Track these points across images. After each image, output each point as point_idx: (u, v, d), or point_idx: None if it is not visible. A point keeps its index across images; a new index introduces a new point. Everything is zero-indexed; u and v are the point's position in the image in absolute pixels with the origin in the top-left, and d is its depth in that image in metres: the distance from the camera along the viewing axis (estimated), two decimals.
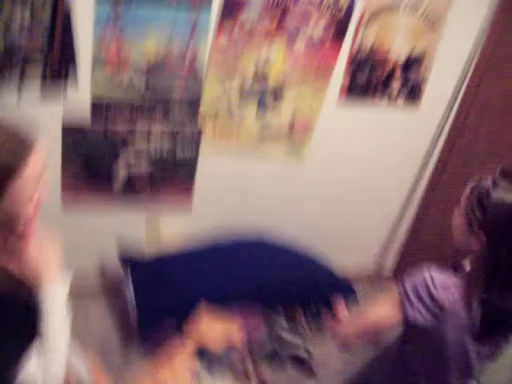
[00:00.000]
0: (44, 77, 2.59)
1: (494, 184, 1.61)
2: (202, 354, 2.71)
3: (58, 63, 2.57)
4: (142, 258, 3.05)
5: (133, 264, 3.03)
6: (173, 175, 3.07)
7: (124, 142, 2.88)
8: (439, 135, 3.40)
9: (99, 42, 2.56)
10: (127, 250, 3.08)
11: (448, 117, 3.34)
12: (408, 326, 1.76)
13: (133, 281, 2.97)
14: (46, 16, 2.43)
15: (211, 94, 2.84)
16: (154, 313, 2.86)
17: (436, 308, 1.67)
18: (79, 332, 3.06)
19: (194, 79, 2.77)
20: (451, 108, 3.31)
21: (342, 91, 3.03)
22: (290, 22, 2.72)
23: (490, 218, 1.60)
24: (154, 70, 2.68)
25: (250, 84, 2.85)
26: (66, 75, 2.61)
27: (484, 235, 1.62)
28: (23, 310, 1.39)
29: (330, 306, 2.96)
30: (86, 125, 2.76)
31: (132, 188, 3.05)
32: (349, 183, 3.46)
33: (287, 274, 3.09)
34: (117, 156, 2.91)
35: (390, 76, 3.06)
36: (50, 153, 2.74)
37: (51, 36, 2.49)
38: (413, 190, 3.63)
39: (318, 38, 2.80)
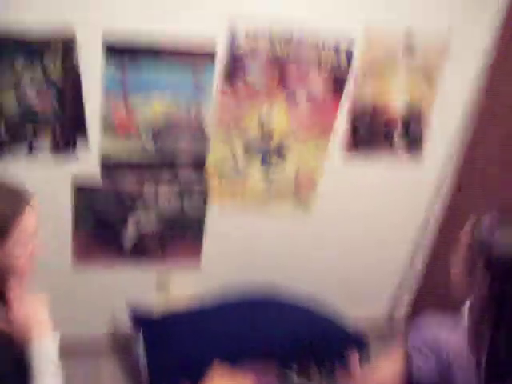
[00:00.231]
0: (55, 138, 2.68)
1: (497, 222, 1.59)
2: None
3: (69, 125, 2.66)
4: (153, 316, 3.03)
5: (143, 322, 3.01)
6: (181, 234, 3.11)
7: (133, 202, 2.94)
8: (443, 183, 3.46)
9: (107, 105, 2.65)
10: (137, 308, 3.06)
11: (451, 165, 3.40)
12: (414, 381, 1.71)
13: (143, 339, 2.94)
14: (57, 79, 2.54)
15: (217, 152, 2.91)
16: (166, 371, 2.81)
17: (442, 360, 1.63)
18: None
19: (200, 139, 2.85)
20: (454, 157, 3.37)
21: (344, 146, 3.10)
22: (291, 80, 2.81)
23: (496, 258, 1.57)
24: (161, 131, 2.77)
25: (255, 142, 2.92)
26: (76, 137, 2.70)
27: (489, 277, 1.58)
28: (13, 366, 1.39)
29: (343, 362, 2.92)
30: (96, 185, 2.83)
31: (142, 247, 3.08)
32: (356, 236, 3.48)
33: (299, 330, 3.06)
34: (126, 215, 2.97)
35: (391, 128, 3.13)
36: (61, 212, 2.81)
37: (62, 98, 2.58)
38: (420, 238, 3.64)
39: (318, 95, 2.88)
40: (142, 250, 3.10)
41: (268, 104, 2.85)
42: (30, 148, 2.66)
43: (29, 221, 1.38)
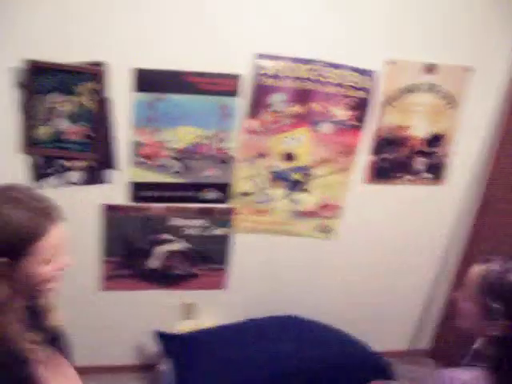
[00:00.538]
0: (86, 168, 2.80)
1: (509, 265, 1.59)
2: None
3: (100, 155, 2.77)
4: (180, 339, 3.05)
5: (169, 340, 3.04)
6: (207, 260, 3.18)
7: (160, 229, 3.02)
8: (467, 208, 3.44)
9: (137, 135, 2.75)
10: (164, 332, 3.09)
11: (475, 190, 3.39)
12: None
13: (169, 357, 2.97)
14: (88, 110, 2.66)
15: (242, 174, 2.97)
16: None
17: None
18: None
19: (226, 161, 2.92)
20: (477, 181, 3.37)
21: (367, 170, 3.13)
22: (315, 105, 2.87)
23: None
24: (188, 153, 2.85)
25: (279, 165, 2.98)
26: (107, 166, 2.81)
27: (508, 322, 1.58)
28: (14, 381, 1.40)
29: None
30: (125, 213, 2.93)
31: (168, 273, 3.15)
32: (380, 261, 3.47)
33: (326, 353, 3.02)
34: (154, 242, 3.05)
35: (414, 153, 3.16)
36: (90, 239, 2.89)
37: (93, 129, 2.70)
38: (444, 266, 3.62)
39: (342, 119, 2.94)
40: (168, 277, 3.17)
41: (293, 128, 2.92)
42: (64, 179, 2.78)
43: (55, 236, 1.42)
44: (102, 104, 2.65)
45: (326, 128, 2.94)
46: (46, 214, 1.40)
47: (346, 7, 2.74)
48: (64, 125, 2.65)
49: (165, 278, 3.16)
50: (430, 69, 2.95)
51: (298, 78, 2.78)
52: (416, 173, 3.22)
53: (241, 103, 2.81)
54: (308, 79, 2.80)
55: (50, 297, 1.64)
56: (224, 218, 3.07)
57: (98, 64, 2.57)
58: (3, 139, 2.61)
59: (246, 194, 3.02)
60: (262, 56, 2.71)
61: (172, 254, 3.10)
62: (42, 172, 2.73)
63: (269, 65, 2.73)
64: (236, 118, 2.83)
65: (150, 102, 2.69)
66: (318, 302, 3.42)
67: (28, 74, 2.52)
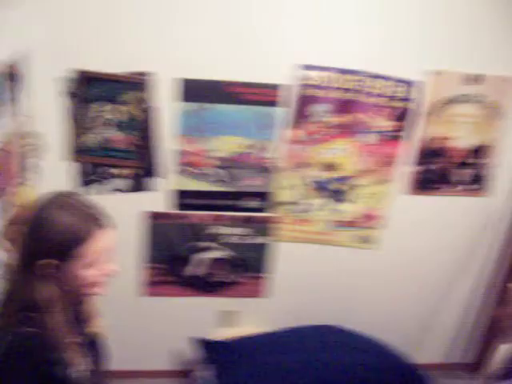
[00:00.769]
0: (133, 176, 2.86)
1: None
2: None
3: (146, 163, 2.83)
4: (221, 345, 3.08)
5: (210, 347, 3.07)
6: (248, 268, 3.20)
7: (201, 229, 3.06)
8: None
9: (182, 137, 2.80)
10: (205, 338, 3.12)
11: None
12: None
13: (210, 363, 2.99)
14: (135, 120, 2.72)
15: (284, 183, 2.99)
16: None
17: None
18: None
19: (267, 170, 2.95)
20: None
21: (410, 180, 3.12)
22: (359, 115, 2.87)
23: None
24: (231, 161, 2.89)
25: (321, 175, 2.99)
26: (152, 166, 2.86)
27: None
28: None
29: None
30: (168, 220, 2.99)
31: (209, 280, 3.19)
32: (421, 273, 3.44)
33: (363, 364, 3.00)
34: (195, 243, 3.08)
35: (459, 164, 3.13)
36: (132, 245, 2.94)
37: (140, 138, 2.76)
38: (487, 279, 3.57)
39: (386, 130, 2.93)
40: (209, 284, 3.21)
41: (334, 144, 2.93)
42: (110, 186, 2.85)
43: (101, 242, 1.45)
44: (147, 113, 2.71)
45: (368, 138, 2.94)
46: (93, 219, 1.44)
47: (390, 18, 2.74)
48: (111, 133, 2.72)
49: (206, 285, 3.19)
50: (475, 79, 2.92)
51: (341, 89, 2.79)
52: (459, 184, 3.19)
53: (282, 113, 2.83)
54: (352, 90, 2.80)
55: (93, 302, 1.69)
56: (265, 227, 3.09)
57: (144, 74, 2.63)
58: (52, 147, 2.67)
59: (287, 204, 3.04)
60: (305, 66, 2.73)
61: (213, 261, 3.13)
62: (88, 179, 2.80)
63: (312, 75, 2.75)
64: (277, 128, 2.85)
65: (195, 111, 2.73)
66: (359, 312, 3.40)
67: (77, 84, 2.59)
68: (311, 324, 3.26)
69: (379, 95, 2.85)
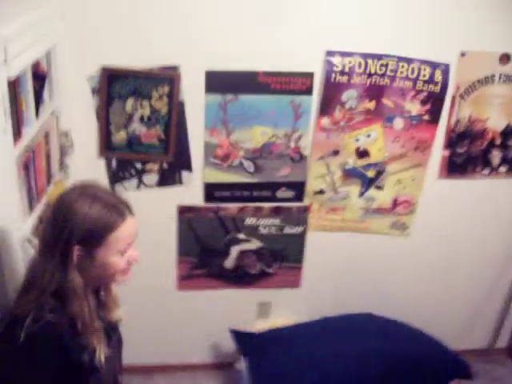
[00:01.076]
0: (161, 171, 2.86)
1: None
2: None
3: (174, 158, 2.82)
4: (256, 337, 3.07)
5: (245, 339, 3.07)
6: (282, 259, 3.19)
7: (235, 229, 3.06)
8: None
9: (210, 129, 2.78)
10: (240, 330, 3.12)
11: None
12: None
13: (245, 355, 3.00)
14: (163, 115, 2.70)
15: (316, 172, 2.97)
16: None
17: None
18: None
19: (299, 159, 2.92)
20: None
21: (442, 164, 3.08)
22: (388, 100, 2.84)
23: None
24: (262, 152, 2.86)
25: (352, 161, 2.96)
26: (181, 169, 2.86)
27: None
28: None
29: None
30: (200, 214, 2.98)
31: (243, 273, 3.18)
32: (456, 258, 3.40)
33: (402, 352, 2.98)
34: (229, 242, 3.09)
35: (490, 146, 3.08)
36: (166, 239, 2.94)
37: (168, 133, 2.74)
38: None
39: (416, 114, 2.89)
40: (243, 276, 3.20)
41: (365, 130, 2.90)
42: (139, 181, 2.85)
43: (126, 231, 1.48)
44: (176, 107, 2.70)
45: (399, 123, 2.91)
46: (117, 209, 1.48)
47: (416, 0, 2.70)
48: (139, 129, 2.71)
49: (240, 278, 3.19)
50: (506, 59, 2.87)
51: (370, 74, 2.76)
52: (492, 167, 3.14)
53: (311, 101, 2.80)
54: (381, 74, 2.77)
55: (115, 290, 1.71)
56: (298, 217, 3.08)
57: (171, 68, 2.61)
58: (83, 144, 2.68)
59: (319, 193, 3.02)
60: (333, 53, 2.70)
61: (246, 253, 3.13)
62: (119, 175, 2.81)
63: (341, 62, 2.71)
64: (309, 117, 2.83)
65: (223, 103, 2.72)
66: (394, 300, 3.37)
67: (105, 81, 2.58)
68: (346, 313, 3.24)
69: (409, 79, 2.80)
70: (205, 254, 3.10)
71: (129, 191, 2.83)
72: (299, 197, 3.03)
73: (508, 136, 3.07)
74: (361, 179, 3.02)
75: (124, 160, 2.79)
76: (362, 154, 2.95)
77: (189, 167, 2.85)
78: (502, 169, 3.16)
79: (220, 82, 2.69)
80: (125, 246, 1.49)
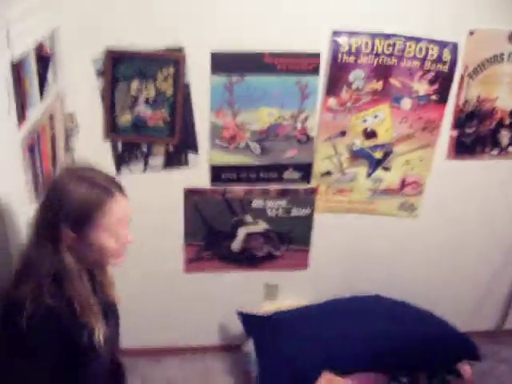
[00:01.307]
0: (167, 153, 2.84)
1: None
2: None
3: (180, 140, 2.80)
4: (263, 318, 3.07)
5: (252, 320, 3.08)
6: (289, 241, 3.18)
7: (241, 203, 3.04)
8: None
9: (216, 111, 2.76)
10: (247, 312, 3.12)
11: None
12: None
13: (252, 337, 3.01)
14: (169, 96, 2.68)
15: (323, 153, 2.95)
16: (275, 368, 2.85)
17: None
18: None
19: (306, 140, 2.90)
20: None
21: (451, 145, 3.05)
22: (395, 80, 2.81)
23: None
24: (268, 133, 2.84)
25: (360, 142, 2.94)
26: (187, 151, 2.84)
27: None
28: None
29: (455, 375, 2.87)
30: (206, 196, 2.97)
31: (250, 247, 3.17)
32: (464, 239, 3.38)
33: (409, 334, 2.97)
34: (235, 216, 3.07)
35: (499, 126, 3.05)
36: (173, 222, 2.94)
37: (173, 115, 2.72)
38: None
39: (424, 94, 2.86)
40: (250, 258, 3.20)
41: (372, 111, 2.87)
42: (145, 164, 2.83)
43: (115, 209, 1.46)
44: (181, 88, 2.67)
45: (406, 104, 2.88)
46: (105, 188, 1.45)
47: None
48: (145, 111, 2.69)
49: (247, 260, 3.18)
50: None
51: (377, 54, 2.72)
52: (501, 147, 3.11)
53: (318, 82, 2.77)
54: (388, 54, 2.73)
55: (110, 270, 1.70)
56: (305, 199, 3.06)
57: (176, 49, 2.59)
58: (88, 127, 2.67)
59: (326, 174, 3.00)
60: (340, 33, 2.67)
61: (253, 235, 3.12)
62: (125, 158, 2.79)
63: (347, 42, 2.68)
64: (315, 97, 2.80)
65: (229, 84, 2.69)
66: (402, 281, 3.36)
67: (109, 63, 2.56)
68: (354, 295, 3.25)
69: (416, 59, 2.77)
70: (212, 236, 3.09)
71: (135, 174, 2.82)
72: (306, 178, 3.01)
73: None
74: (368, 160, 2.99)
75: (129, 143, 2.78)
76: (370, 134, 2.93)
77: (195, 149, 2.83)
78: (511, 149, 3.13)
79: (226, 63, 2.66)
80: (115, 225, 1.47)
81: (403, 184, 3.10)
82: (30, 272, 1.42)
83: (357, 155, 2.97)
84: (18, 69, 1.74)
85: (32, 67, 1.92)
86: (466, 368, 2.86)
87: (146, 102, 2.68)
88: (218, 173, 2.91)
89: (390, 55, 2.74)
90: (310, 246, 3.21)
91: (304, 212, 3.09)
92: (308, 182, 3.03)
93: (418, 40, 2.74)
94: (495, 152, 3.12)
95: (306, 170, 2.99)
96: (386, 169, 3.04)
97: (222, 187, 2.96)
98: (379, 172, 3.04)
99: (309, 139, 2.89)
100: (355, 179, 3.04)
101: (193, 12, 2.54)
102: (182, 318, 3.29)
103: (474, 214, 3.31)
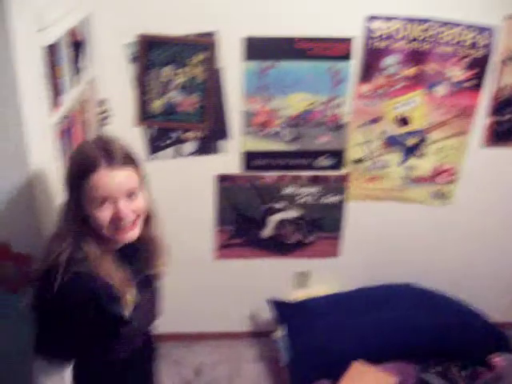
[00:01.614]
0: (199, 139, 2.84)
1: None
2: None
3: (212, 126, 2.80)
4: (294, 305, 3.08)
5: (283, 307, 3.09)
6: (320, 228, 3.16)
7: (273, 198, 3.03)
8: None
9: (248, 97, 2.75)
10: (278, 299, 3.14)
11: None
12: None
13: (283, 324, 3.01)
14: (200, 82, 2.67)
15: (355, 140, 2.92)
16: (305, 356, 2.84)
17: None
18: (231, 375, 3.13)
19: (338, 126, 2.88)
20: None
21: (485, 132, 2.99)
22: (430, 66, 2.76)
23: None
24: (300, 120, 2.82)
25: (393, 129, 2.90)
26: (219, 137, 2.84)
27: None
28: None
29: (486, 366, 2.83)
30: (238, 182, 2.96)
31: (281, 242, 3.17)
32: (499, 228, 3.32)
33: (442, 324, 2.95)
34: (265, 203, 3.06)
35: None
36: (204, 209, 2.94)
37: (205, 101, 2.72)
38: None
39: (459, 80, 2.81)
40: (281, 245, 3.19)
41: (406, 97, 2.83)
42: (177, 151, 2.84)
43: (107, 177, 1.41)
44: (213, 74, 2.67)
45: (441, 90, 2.83)
46: (107, 153, 1.42)
47: None
48: (177, 97, 2.69)
49: (278, 247, 3.18)
50: None
51: (412, 39, 2.68)
52: None
53: (352, 67, 2.75)
54: (423, 40, 2.69)
55: (157, 244, 1.69)
56: (337, 186, 3.04)
57: (209, 34, 2.58)
58: (121, 114, 2.68)
59: (359, 161, 2.97)
60: (374, 18, 2.63)
61: (284, 222, 3.10)
62: (157, 144, 2.80)
63: (381, 26, 2.64)
64: (349, 83, 2.78)
65: (261, 70, 2.68)
66: (434, 270, 3.33)
67: (143, 48, 2.57)
68: (385, 283, 3.23)
69: (452, 44, 2.72)
70: (242, 223, 3.09)
71: (166, 160, 2.84)
72: (338, 165, 2.99)
73: None
74: (400, 148, 2.96)
75: (161, 129, 2.78)
76: (402, 121, 2.89)
77: (226, 135, 2.83)
78: None
79: (258, 49, 2.65)
80: (104, 195, 1.42)
81: (436, 172, 3.05)
82: (61, 237, 1.46)
83: (389, 142, 2.93)
84: (50, 54, 1.74)
85: (65, 53, 1.93)
86: (497, 360, 2.82)
87: (178, 87, 2.68)
88: (249, 159, 2.91)
89: (424, 40, 2.70)
90: (340, 233, 3.19)
91: (335, 199, 3.07)
92: (339, 169, 3.00)
93: (453, 25, 2.69)
94: None
95: (337, 157, 2.96)
96: (419, 156, 2.99)
97: (253, 173, 2.95)
98: (412, 160, 3.00)
99: (341, 126, 2.87)
100: (387, 167, 3.00)
101: None
102: (213, 304, 3.30)
103: (510, 203, 3.25)
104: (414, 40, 2.69)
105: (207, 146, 2.84)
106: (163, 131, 2.79)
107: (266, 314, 3.19)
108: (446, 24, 2.68)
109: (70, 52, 1.99)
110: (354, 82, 2.78)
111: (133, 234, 1.51)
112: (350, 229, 3.18)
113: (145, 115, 2.72)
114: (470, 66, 2.79)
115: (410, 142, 2.94)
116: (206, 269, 3.20)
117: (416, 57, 2.73)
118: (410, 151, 2.97)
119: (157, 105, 2.70)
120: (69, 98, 1.98)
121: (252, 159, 2.91)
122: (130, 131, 2.74)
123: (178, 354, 3.27)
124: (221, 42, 2.61)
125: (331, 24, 2.64)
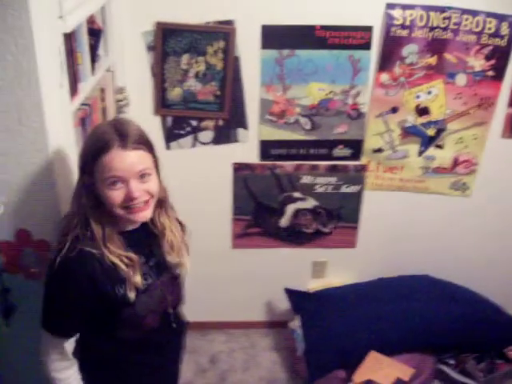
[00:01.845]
0: (216, 128, 2.84)
1: None
2: None
3: (230, 115, 2.80)
4: (310, 295, 3.08)
5: (299, 297, 3.09)
6: (338, 217, 3.15)
7: (290, 179, 3.02)
8: None
9: (266, 86, 2.74)
10: (295, 289, 3.14)
11: None
12: None
13: (299, 313, 3.02)
14: (218, 63, 2.65)
15: (374, 129, 2.90)
16: (322, 346, 2.85)
17: None
18: (247, 364, 3.11)
19: (357, 116, 2.86)
20: None
21: (507, 123, 2.95)
22: (451, 55, 2.73)
23: None
24: (319, 109, 2.81)
25: (412, 119, 2.87)
26: (237, 126, 2.83)
27: None
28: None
29: (504, 359, 2.82)
30: (255, 172, 2.96)
31: (298, 224, 3.15)
32: None
33: (458, 316, 2.93)
34: (283, 192, 3.05)
35: None
36: (222, 198, 2.94)
37: (223, 89, 2.71)
38: None
39: (480, 69, 2.78)
40: (298, 235, 3.18)
41: (426, 87, 2.80)
42: (195, 139, 2.83)
43: (120, 158, 1.43)
44: (231, 63, 2.66)
45: (461, 80, 2.80)
46: (122, 135, 1.44)
47: None
48: (195, 85, 2.69)
49: (295, 236, 3.17)
50: None
51: (432, 28, 2.65)
52: None
53: (371, 56, 2.72)
54: (443, 28, 2.66)
55: (180, 234, 1.72)
56: (355, 176, 3.02)
57: (227, 22, 2.57)
58: (138, 101, 2.68)
59: (377, 151, 2.95)
60: (393, 6, 2.60)
61: (302, 212, 3.09)
62: (174, 132, 2.80)
63: (401, 15, 2.61)
64: (367, 72, 2.75)
65: (279, 58, 2.66)
66: (451, 262, 3.30)
67: (160, 37, 2.56)
68: (402, 274, 3.22)
69: (472, 33, 2.69)
70: (260, 212, 3.08)
71: (184, 149, 2.84)
72: (356, 155, 2.97)
73: None
74: (420, 137, 2.93)
75: (179, 117, 2.78)
76: (422, 111, 2.86)
77: (244, 124, 2.82)
78: None
79: (276, 37, 2.63)
80: (117, 175, 1.43)
81: (456, 162, 3.03)
82: (72, 216, 1.51)
83: (409, 132, 2.91)
84: (70, 42, 1.74)
85: (84, 40, 1.93)
86: None
87: (196, 76, 2.67)
88: (267, 148, 2.90)
89: (446, 29, 2.67)
90: (358, 223, 3.18)
91: (353, 189, 3.06)
92: (358, 158, 2.99)
93: (474, 13, 2.65)
94: None
95: (356, 147, 2.95)
96: (439, 146, 2.97)
97: (271, 163, 2.95)
98: (431, 150, 2.97)
99: (360, 115, 2.85)
100: (407, 157, 2.98)
101: None
102: (230, 293, 3.31)
103: None
104: (435, 28, 2.65)
105: (225, 135, 2.84)
106: (181, 119, 2.79)
107: (283, 303, 3.19)
108: (467, 12, 2.64)
109: (89, 39, 1.99)
110: (373, 71, 2.76)
111: (145, 214, 1.52)
112: (369, 219, 3.17)
113: (163, 103, 2.73)
114: (492, 56, 2.75)
115: (430, 131, 2.92)
116: (223, 258, 3.21)
117: (437, 45, 2.70)
118: (430, 141, 2.94)
119: (175, 93, 2.69)
120: (88, 86, 1.99)
121: (270, 148, 2.90)
122: (148, 119, 2.75)
123: (194, 343, 3.28)
124: (239, 30, 2.59)
125: (351, 12, 2.62)
